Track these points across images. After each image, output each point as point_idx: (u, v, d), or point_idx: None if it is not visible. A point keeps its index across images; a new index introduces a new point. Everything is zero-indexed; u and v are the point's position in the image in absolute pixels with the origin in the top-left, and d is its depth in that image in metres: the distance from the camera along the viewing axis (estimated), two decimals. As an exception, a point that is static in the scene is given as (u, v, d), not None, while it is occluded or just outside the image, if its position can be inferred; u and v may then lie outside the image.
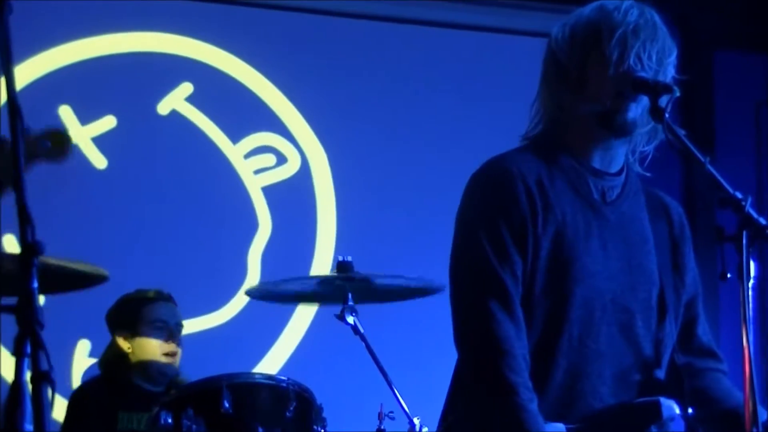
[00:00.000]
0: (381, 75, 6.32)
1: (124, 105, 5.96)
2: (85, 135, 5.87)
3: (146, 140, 5.97)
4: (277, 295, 4.57)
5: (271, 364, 5.91)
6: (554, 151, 2.98)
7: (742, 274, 2.56)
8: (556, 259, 2.88)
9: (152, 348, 4.75)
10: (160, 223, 5.92)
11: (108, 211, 5.86)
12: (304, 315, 5.98)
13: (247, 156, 6.12)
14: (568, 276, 2.88)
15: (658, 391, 2.92)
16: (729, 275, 2.63)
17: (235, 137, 6.11)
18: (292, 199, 6.14)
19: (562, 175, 2.95)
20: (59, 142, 2.93)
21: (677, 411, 2.88)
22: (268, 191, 6.14)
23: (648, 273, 2.96)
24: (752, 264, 2.58)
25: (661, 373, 2.95)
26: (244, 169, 6.12)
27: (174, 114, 6.03)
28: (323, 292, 4.32)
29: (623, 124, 2.92)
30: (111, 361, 4.82)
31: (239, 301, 5.90)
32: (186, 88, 6.05)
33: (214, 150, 6.07)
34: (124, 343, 4.79)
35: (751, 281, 2.56)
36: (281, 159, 6.17)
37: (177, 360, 4.79)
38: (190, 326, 5.46)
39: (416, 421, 4.14)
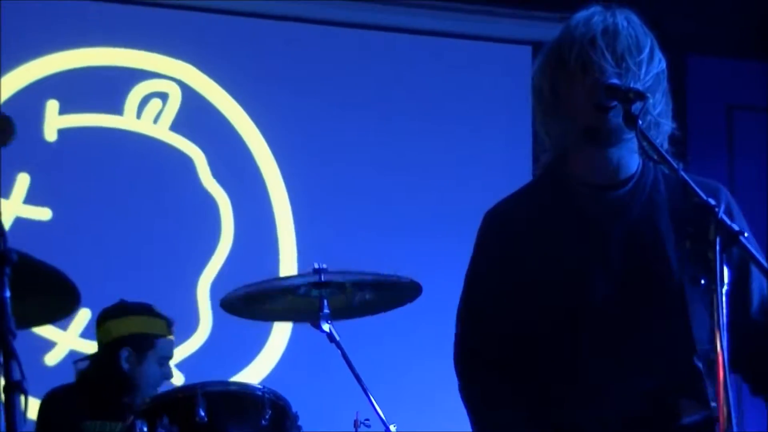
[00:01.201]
0: (335, 81, 6.31)
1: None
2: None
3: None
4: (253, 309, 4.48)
5: (251, 373, 5.89)
6: (557, 179, 3.02)
7: (715, 280, 2.56)
8: (555, 287, 2.92)
9: (153, 377, 4.73)
10: (121, 234, 5.90)
11: (74, 226, 5.84)
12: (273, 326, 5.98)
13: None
14: (571, 305, 2.91)
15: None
16: (702, 281, 2.63)
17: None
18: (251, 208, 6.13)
19: (560, 204, 2.98)
20: (2, 128, 2.88)
21: None
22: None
23: (662, 278, 2.95)
24: (725, 270, 2.58)
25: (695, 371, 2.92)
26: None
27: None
28: (297, 298, 4.29)
29: (610, 134, 2.92)
30: (99, 375, 4.75)
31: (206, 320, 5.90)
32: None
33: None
34: (127, 364, 4.72)
35: (725, 287, 2.56)
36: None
37: None
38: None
39: (392, 428, 4.13)
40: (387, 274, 4.29)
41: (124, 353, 4.70)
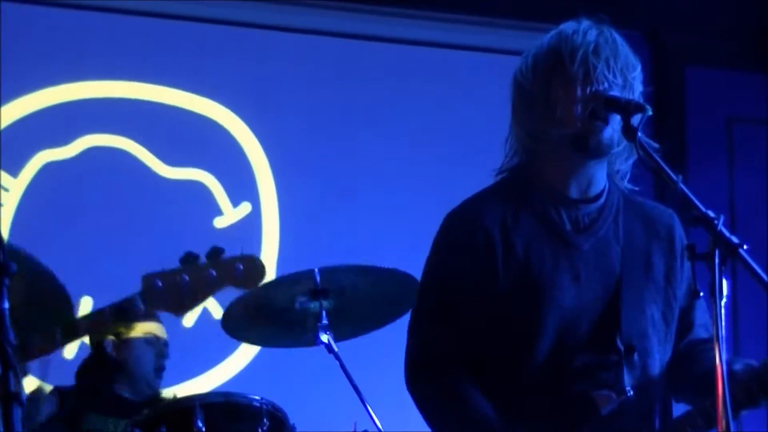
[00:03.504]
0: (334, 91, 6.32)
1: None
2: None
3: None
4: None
5: (242, 382, 5.88)
6: (526, 185, 3.04)
7: (714, 293, 2.56)
8: (523, 296, 2.94)
9: (146, 358, 4.71)
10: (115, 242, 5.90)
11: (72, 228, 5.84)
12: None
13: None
14: (536, 311, 2.93)
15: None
16: (701, 293, 2.64)
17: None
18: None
19: (529, 212, 2.99)
20: (252, 269, 2.91)
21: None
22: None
23: (617, 289, 2.99)
24: (725, 282, 2.58)
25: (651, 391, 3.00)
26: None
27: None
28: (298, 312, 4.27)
29: (597, 146, 2.94)
30: (92, 368, 4.75)
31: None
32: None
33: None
34: (114, 351, 4.70)
35: (724, 300, 2.57)
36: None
37: (161, 378, 4.77)
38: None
39: (390, 438, 4.13)
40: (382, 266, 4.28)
41: (110, 343, 4.70)
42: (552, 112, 2.96)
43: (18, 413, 2.21)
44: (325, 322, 4.12)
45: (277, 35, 6.24)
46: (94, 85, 5.98)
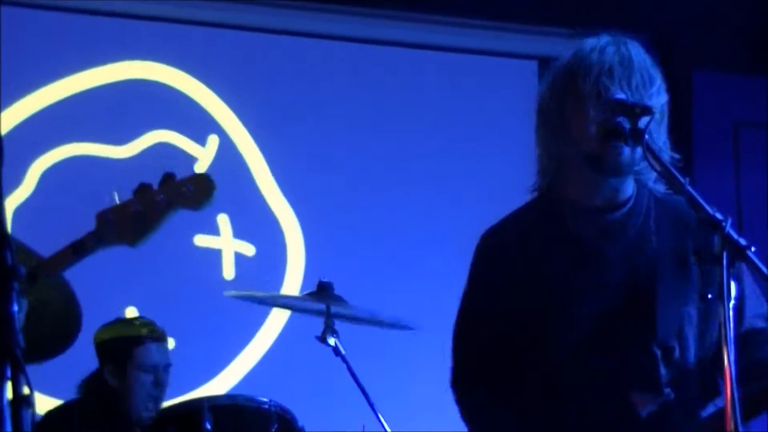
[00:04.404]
0: (348, 99, 6.32)
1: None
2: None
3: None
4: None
5: (250, 384, 5.88)
6: (553, 202, 3.08)
7: (722, 295, 2.56)
8: (547, 308, 2.97)
9: (141, 390, 4.66)
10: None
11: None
12: (282, 331, 5.97)
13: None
14: (561, 320, 2.97)
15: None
16: (710, 296, 2.64)
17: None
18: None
19: (555, 227, 3.03)
20: (202, 188, 2.93)
21: None
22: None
23: (651, 293, 3.00)
24: (732, 284, 2.59)
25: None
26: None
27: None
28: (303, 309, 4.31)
29: (614, 166, 2.96)
30: (95, 390, 4.74)
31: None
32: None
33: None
34: (111, 379, 4.68)
35: (732, 302, 2.57)
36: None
37: (163, 397, 4.72)
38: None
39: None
40: (389, 318, 4.32)
41: (107, 369, 4.63)
42: (567, 131, 2.98)
43: (27, 416, 2.21)
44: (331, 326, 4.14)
45: (297, 41, 6.27)
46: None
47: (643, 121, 2.89)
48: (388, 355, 5.79)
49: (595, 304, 2.97)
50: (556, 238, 3.02)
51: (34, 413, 2.22)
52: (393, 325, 4.42)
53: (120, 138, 5.96)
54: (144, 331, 4.65)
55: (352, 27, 6.31)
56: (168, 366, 4.70)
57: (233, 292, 4.62)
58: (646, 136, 2.87)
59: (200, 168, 5.98)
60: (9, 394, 2.19)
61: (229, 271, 6.07)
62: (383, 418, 4.16)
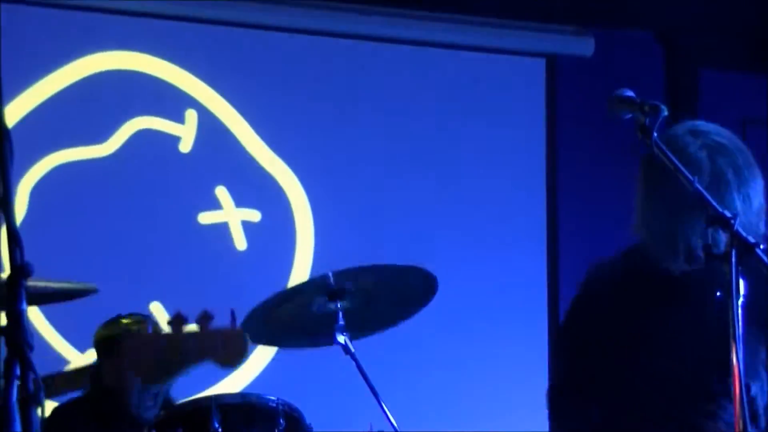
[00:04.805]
0: (358, 95, 6.32)
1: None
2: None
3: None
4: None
5: (259, 383, 5.89)
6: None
7: (731, 293, 2.57)
8: (641, 345, 3.15)
9: (136, 388, 4.66)
10: (145, 237, 5.91)
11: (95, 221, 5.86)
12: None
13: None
14: (655, 360, 3.14)
15: None
16: (718, 293, 2.65)
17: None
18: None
19: (648, 272, 3.17)
20: (234, 348, 2.85)
21: None
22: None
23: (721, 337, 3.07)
24: (741, 282, 2.59)
25: None
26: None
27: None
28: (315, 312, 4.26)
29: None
30: (96, 388, 4.74)
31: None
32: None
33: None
34: (109, 377, 4.67)
35: (741, 299, 2.58)
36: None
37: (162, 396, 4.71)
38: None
39: (406, 438, 4.13)
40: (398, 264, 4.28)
41: (104, 367, 4.59)
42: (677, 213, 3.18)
43: (36, 415, 2.22)
44: (341, 323, 4.12)
45: (306, 39, 6.27)
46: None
47: (651, 120, 2.90)
48: (397, 353, 5.78)
49: (686, 348, 3.10)
50: (663, 282, 3.15)
51: (43, 412, 2.23)
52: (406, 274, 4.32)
53: (99, 135, 5.94)
54: (135, 328, 4.65)
55: (359, 25, 6.30)
56: None
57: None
58: (655, 134, 2.90)
59: (185, 145, 5.98)
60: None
61: (240, 242, 6.07)
62: (391, 415, 4.14)
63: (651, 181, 3.22)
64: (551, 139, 6.44)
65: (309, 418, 4.10)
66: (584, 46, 6.22)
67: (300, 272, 6.11)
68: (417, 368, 5.94)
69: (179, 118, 6.07)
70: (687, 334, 3.11)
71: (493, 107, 6.37)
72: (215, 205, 6.05)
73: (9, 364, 2.21)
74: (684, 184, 2.84)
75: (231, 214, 6.08)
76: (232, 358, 2.78)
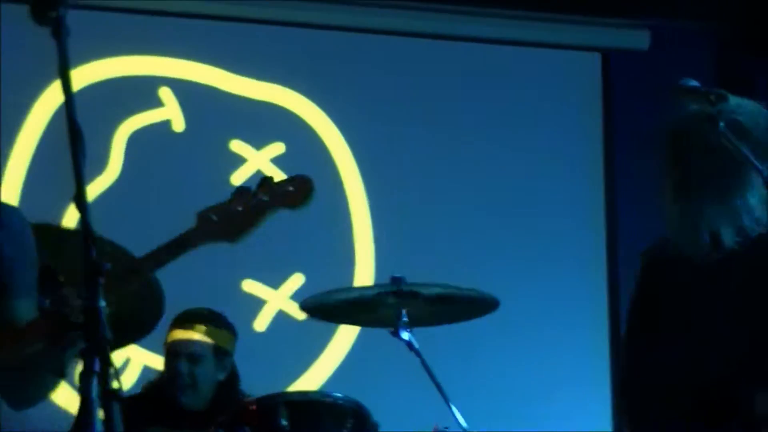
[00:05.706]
0: (412, 85, 6.31)
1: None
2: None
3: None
4: (330, 307, 4.47)
5: (314, 379, 5.88)
6: None
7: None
8: (685, 332, 3.13)
9: (175, 377, 4.68)
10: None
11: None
12: (349, 329, 5.96)
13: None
14: (696, 345, 3.11)
15: None
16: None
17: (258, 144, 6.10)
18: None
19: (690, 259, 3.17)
20: (302, 188, 2.97)
21: None
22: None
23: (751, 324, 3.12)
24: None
25: None
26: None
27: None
28: (376, 306, 4.28)
29: None
30: (162, 381, 4.77)
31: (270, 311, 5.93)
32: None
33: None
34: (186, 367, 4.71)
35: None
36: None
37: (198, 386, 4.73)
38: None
39: (473, 436, 4.13)
40: (466, 288, 4.29)
41: (182, 362, 4.67)
42: None
43: (118, 411, 2.23)
44: (405, 319, 4.13)
45: (370, 38, 6.28)
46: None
47: (715, 109, 2.92)
48: (464, 350, 5.76)
49: (726, 333, 3.08)
50: (693, 269, 3.15)
51: (123, 407, 2.24)
52: (471, 301, 4.35)
53: (95, 162, 5.79)
54: (228, 338, 4.73)
55: (421, 23, 6.30)
56: (192, 355, 4.69)
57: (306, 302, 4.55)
58: (722, 124, 2.95)
59: (177, 124, 5.98)
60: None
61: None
62: (459, 414, 4.14)
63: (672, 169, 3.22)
64: (608, 135, 6.40)
65: (376, 417, 4.11)
66: (640, 40, 6.22)
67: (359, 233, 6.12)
68: (483, 365, 5.93)
69: (156, 102, 6.00)
70: (721, 318, 3.09)
71: (549, 104, 6.34)
72: (238, 160, 6.02)
73: (89, 359, 2.23)
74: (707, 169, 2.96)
75: (256, 158, 6.05)
76: (300, 198, 2.94)
